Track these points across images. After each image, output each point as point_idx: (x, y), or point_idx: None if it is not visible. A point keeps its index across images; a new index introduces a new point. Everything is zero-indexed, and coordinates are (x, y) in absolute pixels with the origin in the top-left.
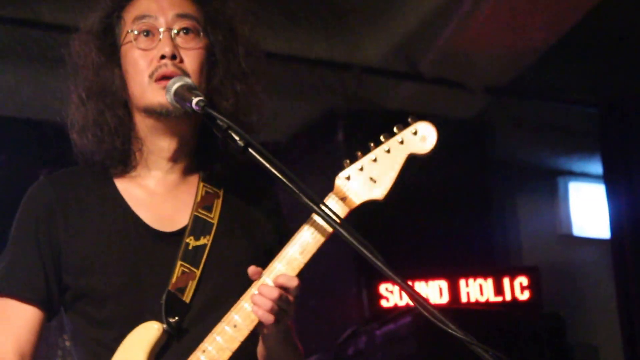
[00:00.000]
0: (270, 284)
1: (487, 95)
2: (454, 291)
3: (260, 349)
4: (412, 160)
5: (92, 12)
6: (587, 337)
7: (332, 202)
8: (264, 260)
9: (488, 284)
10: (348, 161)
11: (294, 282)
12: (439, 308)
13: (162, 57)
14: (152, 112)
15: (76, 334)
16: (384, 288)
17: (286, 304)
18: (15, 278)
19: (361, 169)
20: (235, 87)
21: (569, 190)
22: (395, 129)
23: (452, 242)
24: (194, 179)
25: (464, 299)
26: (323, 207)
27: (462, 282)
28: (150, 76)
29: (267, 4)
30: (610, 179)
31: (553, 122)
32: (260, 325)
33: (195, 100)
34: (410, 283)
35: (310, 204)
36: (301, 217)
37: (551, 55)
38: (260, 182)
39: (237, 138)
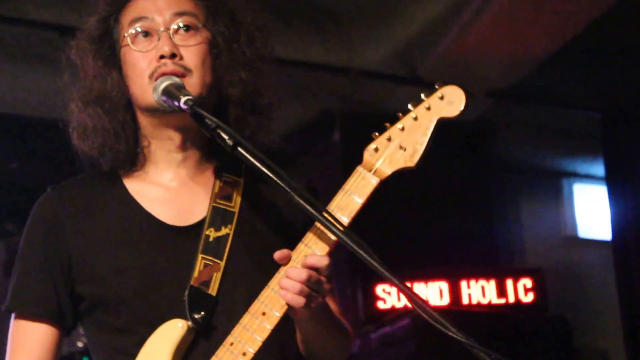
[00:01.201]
0: (298, 266)
1: (488, 99)
2: (455, 293)
3: (299, 337)
4: (410, 170)
5: (89, 16)
6: (595, 340)
7: (361, 175)
8: (291, 246)
9: (490, 286)
10: (377, 133)
11: (324, 261)
12: (439, 310)
13: (162, 57)
14: (154, 111)
15: (95, 346)
16: (380, 289)
17: (317, 285)
18: (25, 296)
19: (389, 139)
20: (241, 74)
21: (573, 192)
22: (422, 96)
23: (454, 244)
24: (209, 169)
25: (465, 301)
26: (317, 206)
27: (463, 283)
28: (150, 77)
29: (264, 7)
30: (612, 182)
31: (555, 124)
32: (291, 310)
33: (183, 99)
34: (409, 284)
35: (304, 204)
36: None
37: (553, 62)
38: (284, 166)
39: (226, 137)
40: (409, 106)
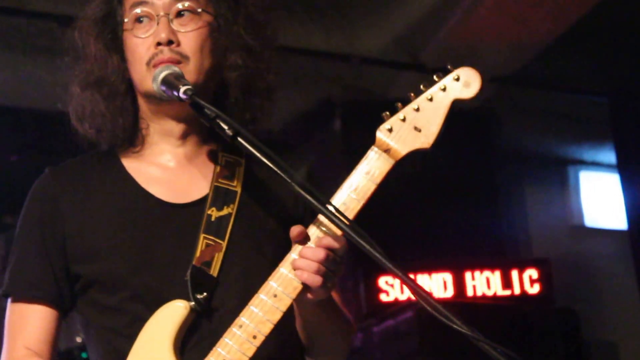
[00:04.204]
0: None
1: (492, 85)
2: (459, 284)
3: (301, 325)
4: (417, 152)
5: None
6: (605, 333)
7: (375, 156)
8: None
9: (495, 277)
10: (388, 113)
11: (340, 242)
12: (443, 303)
13: (159, 43)
14: (153, 98)
15: (89, 327)
16: (383, 281)
17: (334, 265)
18: (22, 278)
19: (403, 120)
20: (240, 57)
21: (579, 180)
22: (435, 77)
23: (458, 234)
24: (212, 149)
25: (469, 293)
26: (317, 195)
27: (467, 274)
28: (148, 63)
29: None
30: (624, 168)
31: (561, 110)
32: (304, 292)
33: (182, 89)
34: (412, 276)
35: (304, 193)
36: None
37: (557, 46)
38: (287, 152)
39: (225, 127)
40: (422, 87)
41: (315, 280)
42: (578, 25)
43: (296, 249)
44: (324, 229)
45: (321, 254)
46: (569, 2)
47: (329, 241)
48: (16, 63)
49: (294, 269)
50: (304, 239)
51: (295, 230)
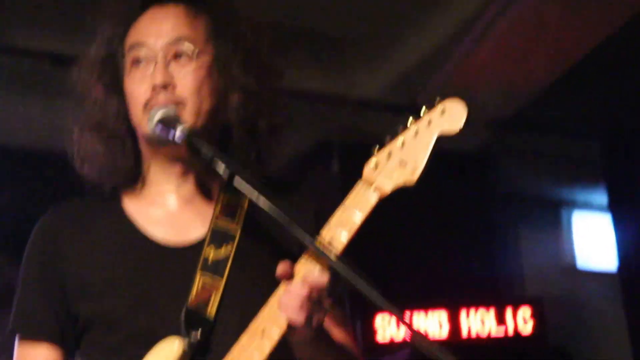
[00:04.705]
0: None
1: (488, 128)
2: (455, 323)
3: None
4: (413, 191)
5: (94, 36)
6: None
7: (361, 190)
8: None
9: (490, 315)
10: (378, 147)
11: (325, 278)
12: (438, 342)
13: (155, 87)
14: (150, 141)
15: None
16: (379, 319)
17: (318, 301)
18: (26, 318)
19: (389, 155)
20: (240, 99)
21: (572, 221)
22: (422, 111)
23: (454, 272)
24: (212, 189)
25: (464, 331)
26: (306, 229)
27: (463, 312)
28: (145, 107)
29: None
30: (616, 209)
31: (554, 153)
32: (291, 329)
33: (177, 130)
34: (408, 313)
35: (304, 236)
36: None
37: (552, 90)
38: (293, 193)
39: (222, 167)
40: (410, 121)
41: (299, 317)
42: (572, 71)
43: (283, 285)
44: (310, 264)
45: (305, 290)
46: (563, 50)
47: (314, 277)
48: (6, 101)
49: (280, 306)
50: (290, 276)
51: (281, 266)
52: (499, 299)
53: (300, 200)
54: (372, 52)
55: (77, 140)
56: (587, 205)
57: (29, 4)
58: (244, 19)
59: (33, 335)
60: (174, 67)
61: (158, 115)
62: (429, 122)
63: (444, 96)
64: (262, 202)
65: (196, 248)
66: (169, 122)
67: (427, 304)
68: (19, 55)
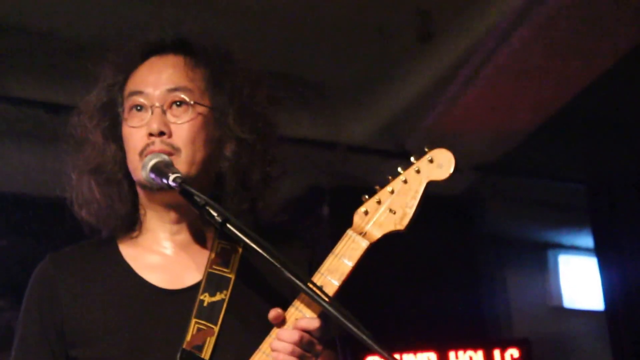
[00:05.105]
0: (290, 329)
1: (475, 173)
2: None
3: None
4: (400, 234)
5: (95, 82)
6: None
7: (351, 238)
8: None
9: (478, 356)
10: (367, 196)
11: (315, 324)
12: None
13: (151, 134)
14: (145, 188)
15: None
16: None
17: (309, 346)
18: None
19: (379, 202)
20: (233, 150)
21: (558, 263)
22: (412, 159)
23: (442, 314)
24: (208, 236)
25: None
26: (310, 285)
27: (451, 354)
28: (140, 153)
29: None
30: (601, 252)
31: (540, 197)
32: None
33: (171, 177)
34: (397, 355)
35: (296, 281)
36: None
37: (537, 135)
38: (287, 239)
39: (215, 214)
40: (399, 169)
41: None
42: (557, 116)
43: (275, 331)
44: (301, 310)
45: (296, 336)
46: (548, 95)
47: (305, 322)
48: (2, 149)
49: (272, 351)
50: (282, 322)
51: (272, 312)
52: (487, 341)
53: (294, 247)
54: (359, 98)
55: (76, 185)
56: (573, 248)
57: (24, 54)
58: (242, 70)
59: None
60: (170, 115)
61: (152, 162)
62: (418, 171)
63: (432, 143)
64: (255, 248)
65: (191, 291)
66: (162, 170)
67: (416, 346)
68: (14, 103)
